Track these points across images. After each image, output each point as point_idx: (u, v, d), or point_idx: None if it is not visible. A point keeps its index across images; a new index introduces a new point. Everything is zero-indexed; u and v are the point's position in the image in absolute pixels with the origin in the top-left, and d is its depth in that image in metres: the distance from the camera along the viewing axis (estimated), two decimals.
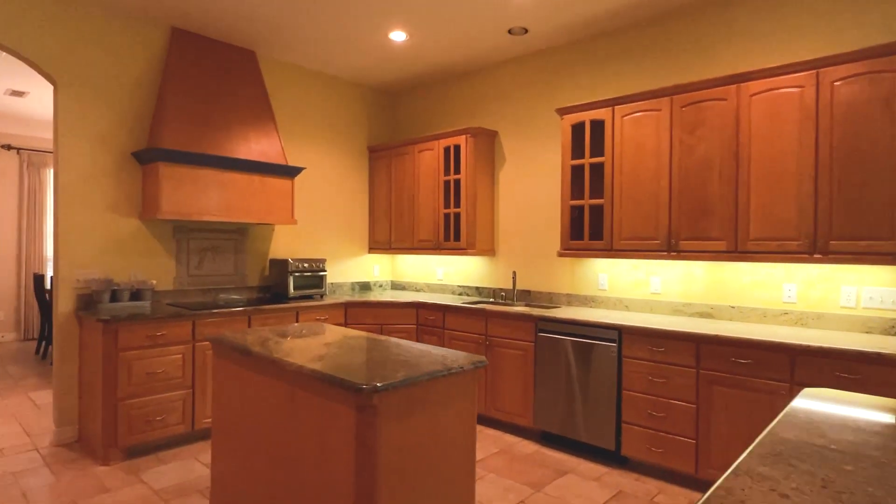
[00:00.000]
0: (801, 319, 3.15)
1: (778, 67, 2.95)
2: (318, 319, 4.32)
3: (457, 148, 4.63)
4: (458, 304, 4.27)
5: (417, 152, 4.94)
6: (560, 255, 3.89)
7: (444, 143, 4.71)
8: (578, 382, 3.48)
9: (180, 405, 3.54)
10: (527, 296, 4.49)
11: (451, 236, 4.67)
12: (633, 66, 3.88)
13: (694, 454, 2.99)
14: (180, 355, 3.54)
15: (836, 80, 2.78)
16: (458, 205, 4.64)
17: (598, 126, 3.78)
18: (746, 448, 2.78)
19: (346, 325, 4.53)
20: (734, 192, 3.12)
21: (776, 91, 2.97)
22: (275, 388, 2.21)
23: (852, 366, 2.53)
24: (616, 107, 3.62)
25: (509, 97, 4.64)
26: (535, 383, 3.72)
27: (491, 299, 4.69)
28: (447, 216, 4.74)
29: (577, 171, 3.88)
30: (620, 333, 3.30)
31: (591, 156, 3.79)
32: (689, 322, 3.31)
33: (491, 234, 4.74)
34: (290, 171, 4.32)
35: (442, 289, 5.16)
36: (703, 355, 2.96)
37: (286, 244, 4.81)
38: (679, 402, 3.05)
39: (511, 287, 4.59)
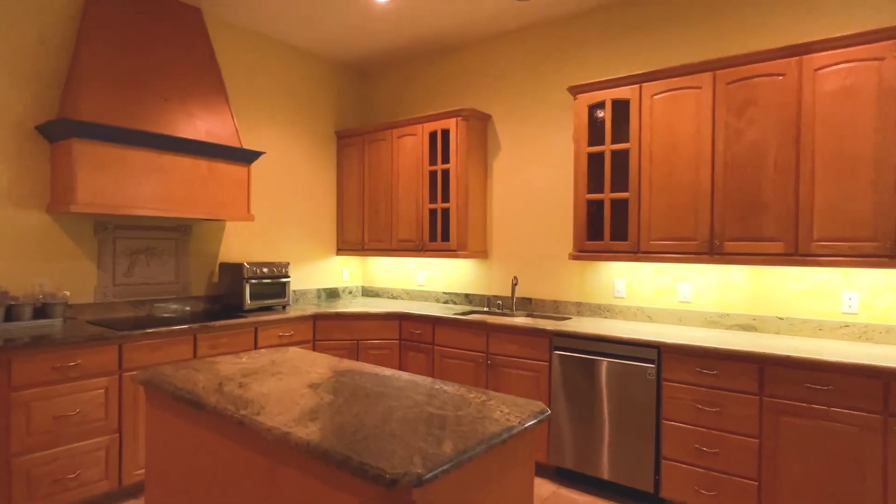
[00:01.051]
0: (866, 333, 2.71)
1: (851, 36, 2.48)
2: (282, 336, 3.56)
3: (445, 133, 3.98)
4: (451, 315, 3.63)
5: (397, 138, 4.25)
6: (573, 257, 3.32)
7: (429, 127, 4.05)
8: (605, 411, 2.92)
9: (103, 456, 2.71)
10: (527, 304, 3.90)
11: (437, 235, 4.02)
12: (658, 38, 3.36)
13: (756, 499, 2.48)
14: (102, 390, 2.72)
15: None
16: (446, 199, 3.99)
17: (621, 107, 3.23)
18: (825, 491, 2.29)
19: (314, 342, 3.79)
20: (794, 183, 2.64)
21: (848, 65, 2.50)
22: (242, 459, 1.49)
23: None
24: (644, 84, 3.08)
25: (506, 75, 4.04)
26: (551, 412, 3.13)
27: (485, 308, 4.07)
28: (433, 212, 4.08)
29: (594, 161, 3.32)
30: (660, 352, 2.76)
31: (613, 142, 3.24)
32: (733, 336, 2.81)
33: (483, 234, 4.12)
34: (247, 156, 3.54)
35: (424, 296, 4.49)
36: (769, 379, 2.46)
37: (240, 245, 4.01)
38: (737, 436, 2.53)
39: (509, 294, 4.00)
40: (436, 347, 3.66)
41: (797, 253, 2.64)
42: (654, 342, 2.76)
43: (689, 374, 2.66)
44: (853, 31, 2.49)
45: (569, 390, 3.05)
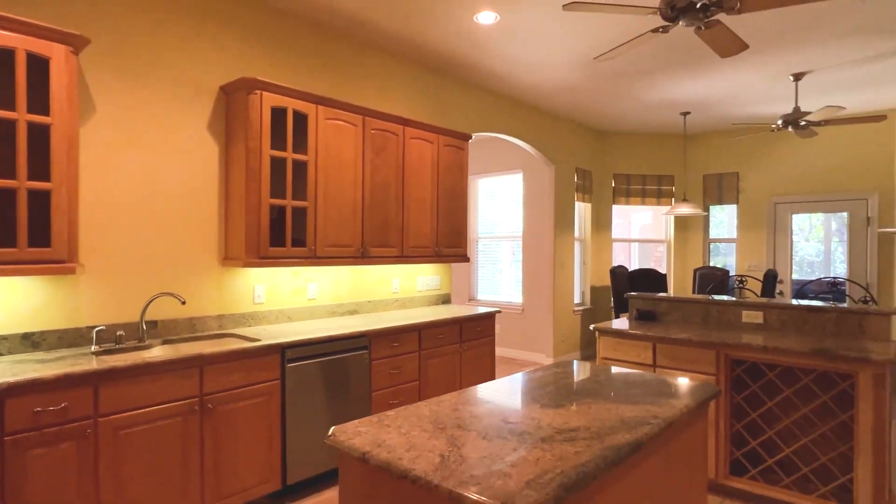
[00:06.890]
0: (404, 304, 4.42)
1: (415, 122, 4.11)
2: None
3: (36, 64, 2.31)
4: (121, 362, 2.35)
5: None
6: (254, 264, 3.10)
7: None
8: (335, 404, 3.16)
9: None
10: (153, 329, 2.94)
11: (16, 234, 2.27)
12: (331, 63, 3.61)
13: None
14: None
15: (445, 145, 4.33)
16: (43, 174, 2.33)
17: (301, 120, 3.33)
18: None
19: None
20: (401, 210, 3.98)
21: (419, 141, 4.13)
22: None
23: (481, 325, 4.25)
24: (320, 107, 3.41)
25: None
26: (285, 430, 2.91)
27: (94, 347, 2.63)
28: None
29: (276, 167, 3.21)
30: (370, 339, 3.38)
31: (295, 151, 3.30)
32: (349, 320, 3.81)
33: (71, 233, 2.64)
34: None
35: None
36: (423, 339, 3.75)
37: None
38: (409, 384, 3.65)
39: (121, 321, 2.80)
40: (102, 421, 2.25)
41: (403, 255, 4.00)
42: (365, 332, 3.35)
43: (387, 350, 3.49)
44: (418, 119, 4.14)
45: (304, 400, 3.00)
